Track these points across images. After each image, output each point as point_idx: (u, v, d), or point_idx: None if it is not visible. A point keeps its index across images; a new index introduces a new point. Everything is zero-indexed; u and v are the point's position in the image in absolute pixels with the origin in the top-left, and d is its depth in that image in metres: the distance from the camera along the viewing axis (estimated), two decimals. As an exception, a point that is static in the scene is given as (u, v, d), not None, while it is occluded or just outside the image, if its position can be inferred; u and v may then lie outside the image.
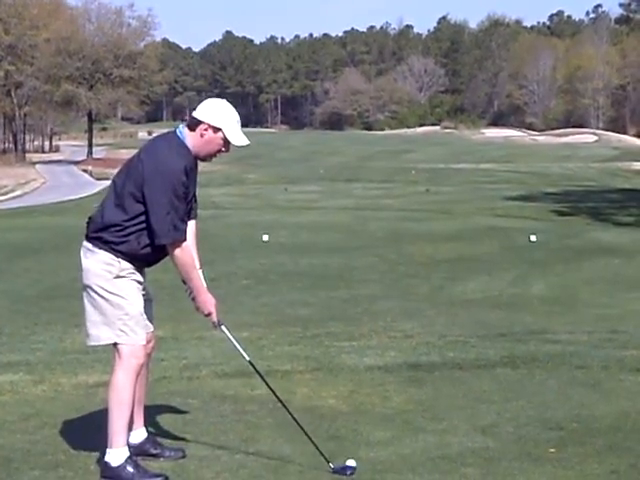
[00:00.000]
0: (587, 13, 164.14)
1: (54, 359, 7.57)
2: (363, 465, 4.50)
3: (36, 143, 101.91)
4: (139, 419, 4.61)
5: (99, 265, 4.32)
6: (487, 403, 5.72)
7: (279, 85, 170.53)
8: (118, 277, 4.32)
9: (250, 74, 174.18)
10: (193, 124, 4.33)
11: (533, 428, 5.17)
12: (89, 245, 4.36)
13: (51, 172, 63.21)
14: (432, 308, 12.00)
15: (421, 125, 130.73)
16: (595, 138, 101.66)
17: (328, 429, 5.13)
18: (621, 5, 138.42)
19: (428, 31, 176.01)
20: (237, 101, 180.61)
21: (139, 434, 4.61)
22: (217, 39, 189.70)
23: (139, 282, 4.40)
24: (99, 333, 4.35)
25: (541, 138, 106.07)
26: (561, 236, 20.78)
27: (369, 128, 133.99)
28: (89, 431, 4.97)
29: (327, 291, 13.68)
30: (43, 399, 5.74)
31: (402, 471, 4.45)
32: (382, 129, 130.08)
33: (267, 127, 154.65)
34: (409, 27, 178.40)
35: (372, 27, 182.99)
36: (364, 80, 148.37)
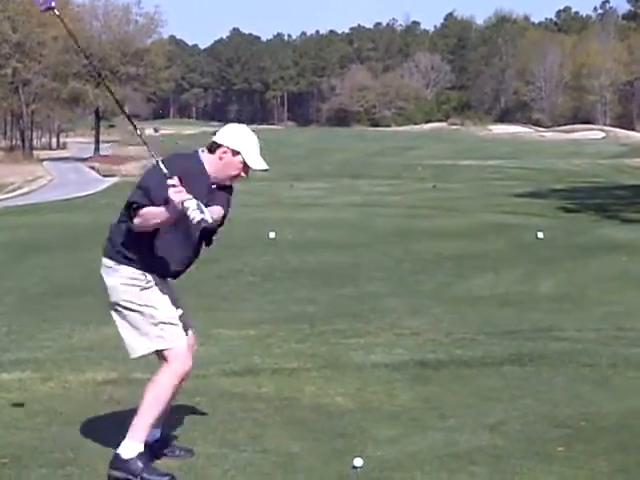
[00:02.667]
0: (594, 9, 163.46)
1: (62, 356, 7.58)
2: (370, 463, 4.50)
3: (43, 140, 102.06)
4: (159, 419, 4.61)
5: (123, 280, 4.33)
6: (494, 401, 5.71)
7: (285, 82, 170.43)
8: (145, 289, 4.34)
9: (256, 71, 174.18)
10: (213, 147, 4.37)
11: (541, 426, 5.16)
12: (110, 262, 4.36)
13: (58, 169, 63.34)
14: (439, 305, 11.98)
15: (428, 121, 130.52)
16: (602, 134, 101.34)
17: (335, 427, 5.12)
18: (629, 1, 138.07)
19: (435, 27, 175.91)
20: (243, 98, 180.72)
21: (154, 432, 4.61)
22: (224, 36, 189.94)
23: (167, 290, 4.41)
24: (137, 345, 4.38)
25: (548, 134, 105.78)
26: (568, 233, 20.72)
27: (376, 125, 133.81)
28: (97, 428, 4.98)
29: (333, 288, 13.67)
30: (51, 396, 5.75)
31: (409, 469, 4.44)
32: (389, 125, 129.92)
33: (273, 124, 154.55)
34: (416, 23, 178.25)
35: (379, 24, 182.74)
36: (371, 77, 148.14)
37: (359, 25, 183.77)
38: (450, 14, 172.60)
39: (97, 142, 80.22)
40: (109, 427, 4.98)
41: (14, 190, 48.50)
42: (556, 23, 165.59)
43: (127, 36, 78.99)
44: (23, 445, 4.71)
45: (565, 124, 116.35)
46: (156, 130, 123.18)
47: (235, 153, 4.34)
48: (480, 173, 51.15)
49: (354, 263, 16.52)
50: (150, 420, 4.33)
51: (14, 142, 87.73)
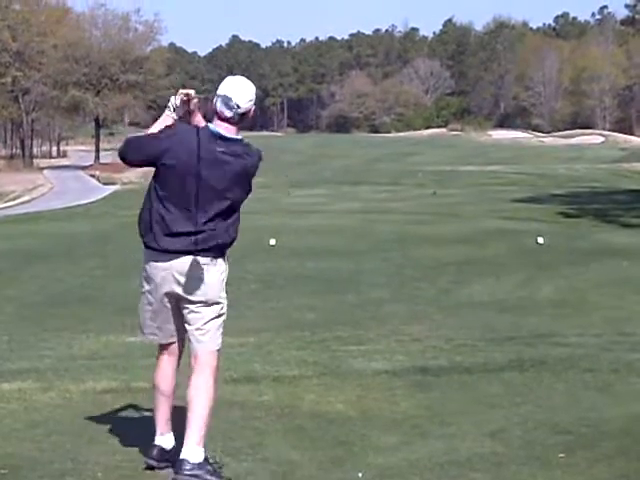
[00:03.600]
0: (593, 14, 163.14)
1: (62, 366, 7.56)
2: (371, 471, 4.49)
3: (44, 148, 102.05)
4: (169, 423, 4.60)
5: (220, 276, 4.35)
6: (495, 407, 5.70)
7: (285, 88, 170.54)
8: (225, 281, 4.42)
9: (256, 78, 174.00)
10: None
11: (542, 432, 5.15)
12: (207, 259, 4.30)
13: (59, 177, 63.37)
14: (439, 311, 11.98)
15: (427, 127, 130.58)
16: (602, 139, 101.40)
17: (336, 435, 5.11)
18: (627, 6, 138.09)
19: (434, 33, 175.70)
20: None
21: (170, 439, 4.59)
22: (223, 43, 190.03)
23: None
24: (212, 340, 4.38)
25: (548, 139, 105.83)
26: (569, 238, 20.70)
27: (375, 131, 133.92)
28: (97, 438, 4.96)
29: (334, 295, 13.66)
30: (51, 406, 5.72)
31: (410, 477, 4.44)
32: (388, 132, 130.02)
33: (273, 130, 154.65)
34: (415, 30, 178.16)
35: (378, 30, 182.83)
36: (370, 83, 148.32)
37: (358, 31, 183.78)
38: (449, 20, 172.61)
39: (97, 150, 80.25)
40: (110, 437, 4.97)
41: (14, 199, 48.52)
42: (554, 29, 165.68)
43: (127, 44, 79.03)
44: (23, 455, 4.69)
45: (565, 129, 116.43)
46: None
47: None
48: (480, 178, 51.14)
49: (354, 270, 16.51)
50: (209, 421, 4.35)
51: (14, 150, 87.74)
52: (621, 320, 10.90)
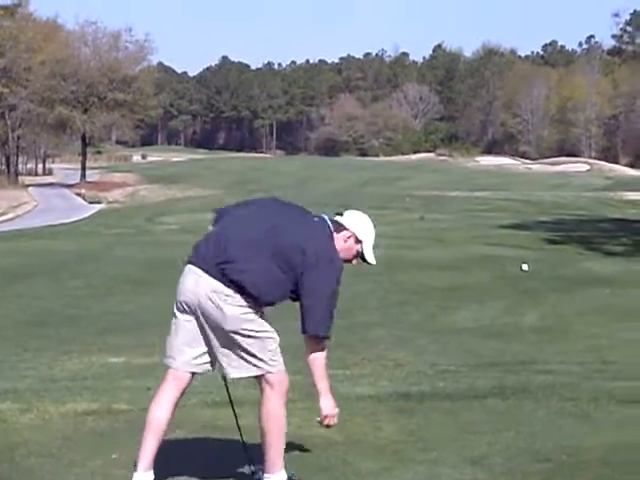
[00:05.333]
0: (580, 44, 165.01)
1: (43, 387, 7.50)
2: (352, 497, 4.47)
3: (29, 166, 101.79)
4: (152, 459, 4.38)
5: (241, 309, 4.29)
6: (477, 434, 5.70)
7: (274, 110, 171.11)
8: (259, 313, 4.39)
9: (245, 99, 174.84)
10: (339, 228, 4.55)
11: (523, 460, 5.15)
12: (228, 291, 4.25)
13: (44, 195, 63.20)
14: (424, 337, 12.00)
15: (415, 152, 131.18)
16: (587, 167, 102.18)
17: (318, 460, 5.10)
18: (613, 36, 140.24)
19: (423, 59, 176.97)
20: (232, 126, 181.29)
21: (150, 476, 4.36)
22: (213, 64, 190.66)
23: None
24: (250, 366, 4.37)
25: (534, 166, 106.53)
26: (553, 265, 20.78)
27: (364, 154, 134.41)
28: (76, 461, 4.93)
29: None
30: (30, 428, 5.67)
31: (391, 504, 4.42)
32: (377, 155, 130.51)
33: (262, 152, 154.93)
34: (405, 54, 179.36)
35: (368, 54, 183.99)
36: (359, 106, 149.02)
37: (348, 55, 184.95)
38: (439, 46, 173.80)
39: (83, 168, 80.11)
40: (89, 459, 4.93)
41: (-1, 216, 48.33)
42: (543, 56, 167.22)
43: (116, 63, 79.12)
44: (1, 477, 4.65)
45: (551, 156, 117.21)
46: (144, 157, 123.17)
47: (358, 241, 4.57)
48: (467, 204, 51.32)
49: (340, 293, 16.50)
50: (282, 446, 4.40)
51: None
52: (603, 348, 10.95)
